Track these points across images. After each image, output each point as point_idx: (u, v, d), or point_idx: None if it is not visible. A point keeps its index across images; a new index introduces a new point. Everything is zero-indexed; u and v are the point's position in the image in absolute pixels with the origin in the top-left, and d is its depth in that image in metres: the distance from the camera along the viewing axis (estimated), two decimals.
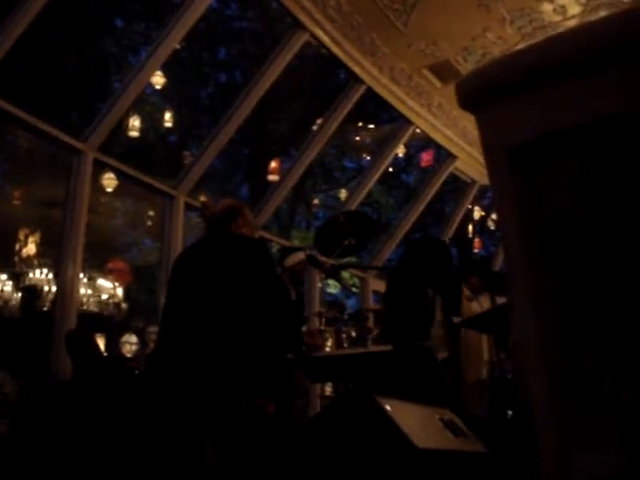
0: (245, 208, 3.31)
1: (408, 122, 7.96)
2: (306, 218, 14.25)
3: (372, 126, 12.05)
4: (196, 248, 3.29)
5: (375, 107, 10.84)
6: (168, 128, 10.26)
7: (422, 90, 7.43)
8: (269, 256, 3.16)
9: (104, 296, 8.43)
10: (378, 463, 2.74)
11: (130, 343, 9.07)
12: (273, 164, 9.82)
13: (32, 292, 7.98)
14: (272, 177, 9.47)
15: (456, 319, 4.42)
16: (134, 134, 8.41)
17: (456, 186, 10.26)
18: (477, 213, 11.05)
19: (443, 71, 7.04)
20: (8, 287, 8.07)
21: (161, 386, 2.95)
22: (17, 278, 8.12)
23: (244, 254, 3.01)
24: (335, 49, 6.60)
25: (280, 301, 3.58)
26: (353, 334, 4.49)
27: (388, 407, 2.83)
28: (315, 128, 7.96)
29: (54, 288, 7.32)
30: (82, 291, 7.54)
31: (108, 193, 7.84)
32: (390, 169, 10.57)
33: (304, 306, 5.87)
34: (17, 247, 8.31)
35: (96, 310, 8.35)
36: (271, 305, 3.03)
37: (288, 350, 3.79)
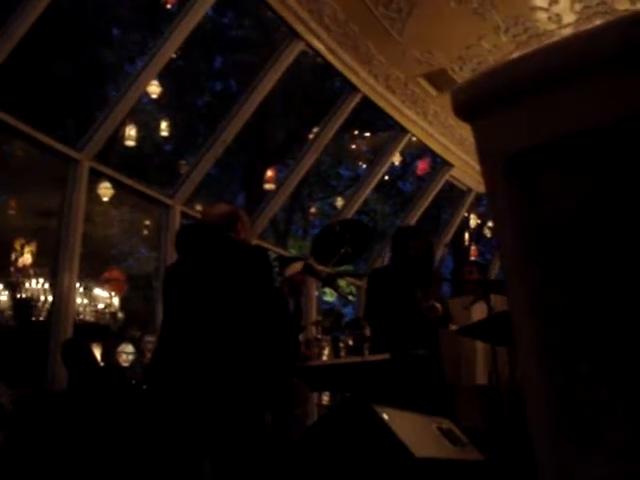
0: (242, 212, 3.30)
1: (404, 130, 7.97)
2: (303, 226, 14.25)
3: (368, 134, 12.08)
4: (195, 257, 3.26)
5: (371, 115, 10.86)
6: (164, 137, 10.27)
7: (418, 98, 7.45)
8: (270, 266, 3.15)
9: (100, 305, 8.41)
10: (376, 472, 2.73)
11: (126, 353, 9.06)
12: (269, 173, 9.83)
13: (28, 302, 7.95)
14: (268, 186, 9.48)
15: (453, 327, 4.42)
16: (130, 143, 8.41)
17: (452, 194, 10.28)
18: (473, 221, 11.06)
19: (438, 79, 7.06)
20: (4, 297, 8.04)
21: (159, 396, 2.94)
22: (13, 288, 8.09)
23: (244, 264, 3.00)
24: (331, 58, 6.61)
25: (280, 311, 3.58)
26: (350, 343, 4.48)
27: (386, 416, 2.82)
28: (311, 137, 7.98)
29: (50, 298, 7.30)
30: (78, 301, 7.51)
31: (104, 202, 7.84)
32: (386, 177, 10.59)
33: (302, 316, 5.85)
34: (13, 257, 8.28)
35: (92, 320, 8.33)
36: (271, 315, 3.02)
37: (286, 360, 3.77)
